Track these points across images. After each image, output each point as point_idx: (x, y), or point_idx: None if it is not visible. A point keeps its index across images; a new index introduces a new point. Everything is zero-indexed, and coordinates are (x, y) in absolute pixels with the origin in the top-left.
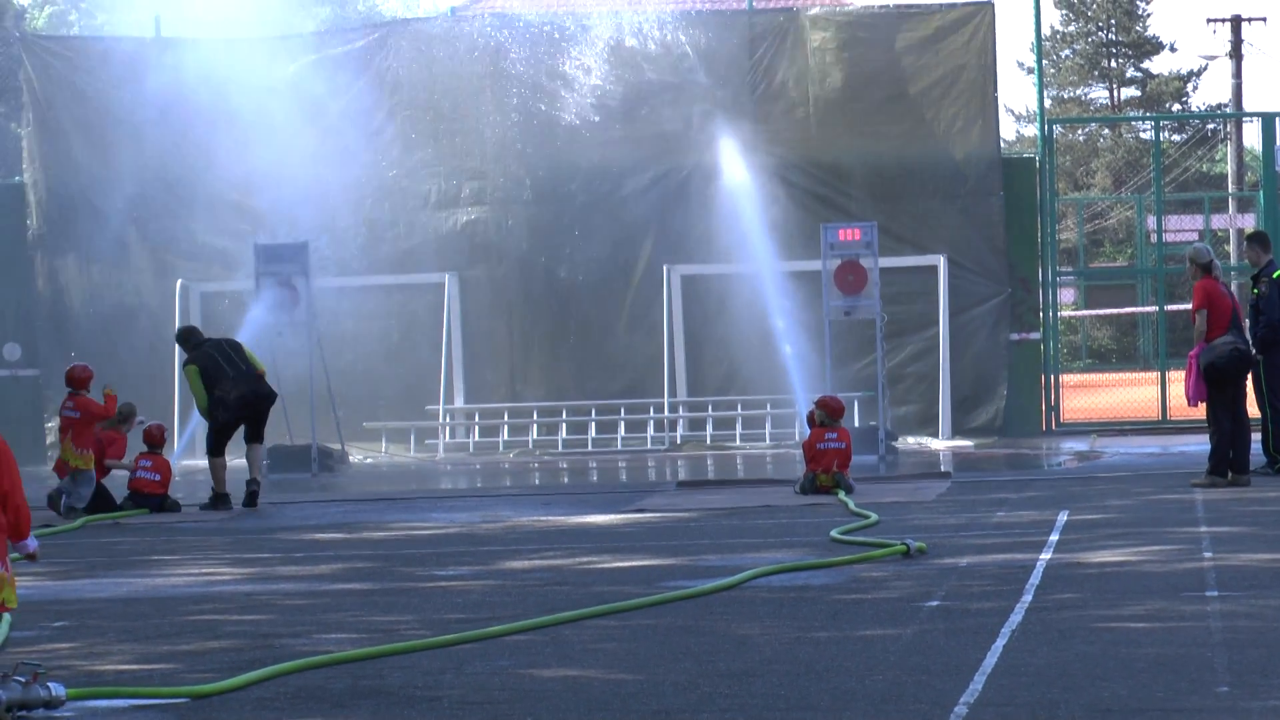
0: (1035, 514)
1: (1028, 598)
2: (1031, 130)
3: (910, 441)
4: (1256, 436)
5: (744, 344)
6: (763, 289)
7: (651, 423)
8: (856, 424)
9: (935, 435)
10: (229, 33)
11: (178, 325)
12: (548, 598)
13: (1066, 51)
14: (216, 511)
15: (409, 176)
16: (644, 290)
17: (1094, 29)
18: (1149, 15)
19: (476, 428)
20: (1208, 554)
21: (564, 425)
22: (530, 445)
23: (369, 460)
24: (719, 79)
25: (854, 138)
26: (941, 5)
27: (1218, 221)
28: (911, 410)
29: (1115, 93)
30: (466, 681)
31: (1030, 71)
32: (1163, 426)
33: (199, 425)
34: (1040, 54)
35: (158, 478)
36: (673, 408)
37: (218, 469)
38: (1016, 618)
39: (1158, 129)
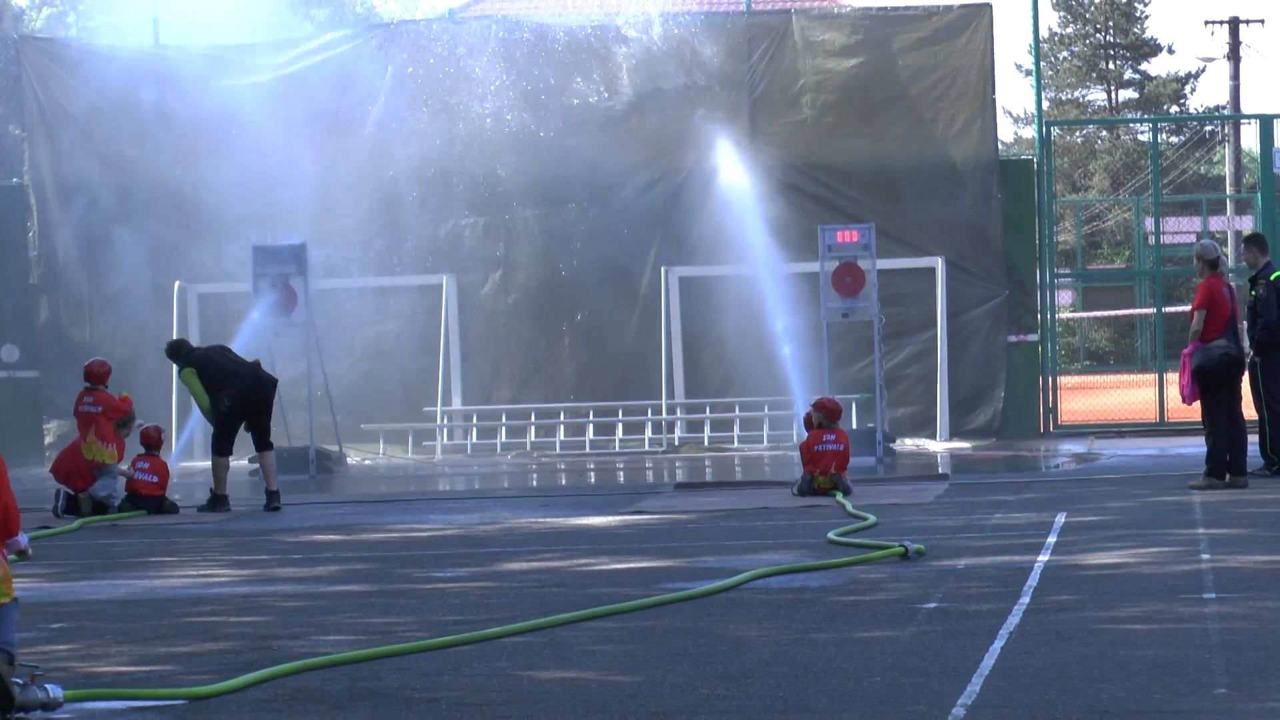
0: (1033, 516)
1: (1025, 599)
2: (1029, 132)
3: (908, 443)
4: (1253, 438)
5: (742, 346)
6: (761, 291)
7: (649, 424)
8: (854, 426)
9: (933, 437)
10: (227, 34)
11: (175, 325)
12: (545, 599)
13: (1064, 53)
14: (214, 513)
15: (407, 178)
16: (642, 292)
17: (1092, 31)
18: (1147, 17)
19: (474, 429)
20: (1205, 556)
21: (562, 427)
22: (528, 447)
23: (367, 462)
24: (717, 81)
25: (852, 139)
26: (939, 7)
27: (1215, 223)
28: (909, 412)
29: (1113, 94)
30: (464, 683)
31: (1028, 73)
32: (1161, 428)
33: (196, 427)
34: (1038, 56)
35: (155, 479)
36: (671, 409)
37: (221, 469)
38: (1014, 619)
39: (1155, 131)
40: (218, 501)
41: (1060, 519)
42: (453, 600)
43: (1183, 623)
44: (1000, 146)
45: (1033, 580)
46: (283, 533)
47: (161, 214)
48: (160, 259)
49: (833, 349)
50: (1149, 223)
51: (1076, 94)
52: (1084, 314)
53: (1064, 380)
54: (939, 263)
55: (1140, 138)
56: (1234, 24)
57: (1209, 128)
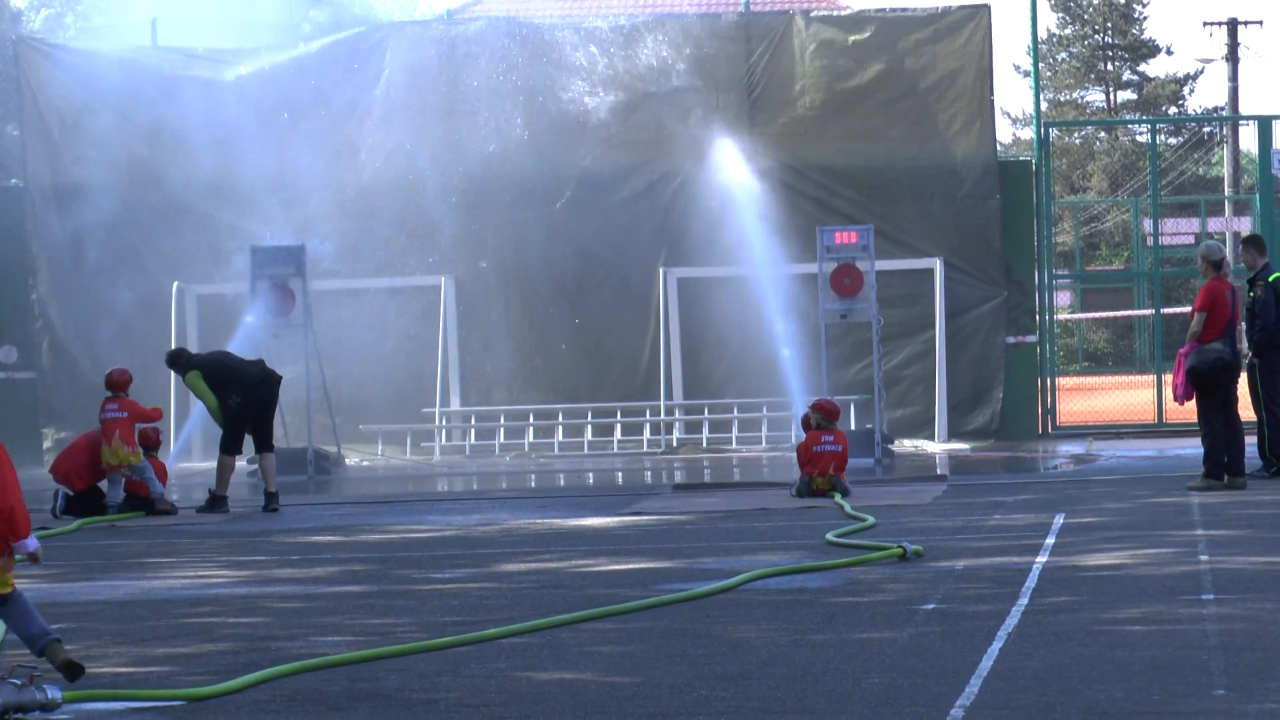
0: (1031, 517)
1: (1024, 601)
2: (1028, 133)
3: (906, 444)
4: (1252, 439)
5: (740, 347)
6: (759, 292)
7: (648, 425)
8: (853, 427)
9: (931, 438)
10: (225, 35)
11: (174, 326)
12: (544, 600)
13: (1063, 54)
14: (213, 514)
15: (405, 179)
16: (641, 293)
17: (1090, 32)
18: (1145, 18)
19: (473, 430)
20: (1204, 557)
21: (560, 428)
22: (526, 448)
23: (365, 463)
24: (715, 82)
25: (850, 140)
26: (938, 8)
27: (1214, 224)
28: (908, 413)
29: (1111, 96)
30: (463, 684)
31: (1026, 74)
32: (1159, 429)
33: (194, 428)
34: (1036, 57)
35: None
36: (669, 410)
37: (225, 469)
38: (1013, 620)
39: (1154, 132)
40: (216, 502)
41: (1059, 520)
42: (451, 601)
43: (1181, 624)
44: (999, 147)
45: (1031, 581)
46: (281, 534)
47: (160, 215)
48: (158, 260)
49: (831, 350)
50: (1147, 224)
51: (1075, 95)
52: (1082, 315)
53: (1062, 381)
54: (937, 264)
55: (1139, 139)
56: (1232, 25)
57: (1207, 129)
